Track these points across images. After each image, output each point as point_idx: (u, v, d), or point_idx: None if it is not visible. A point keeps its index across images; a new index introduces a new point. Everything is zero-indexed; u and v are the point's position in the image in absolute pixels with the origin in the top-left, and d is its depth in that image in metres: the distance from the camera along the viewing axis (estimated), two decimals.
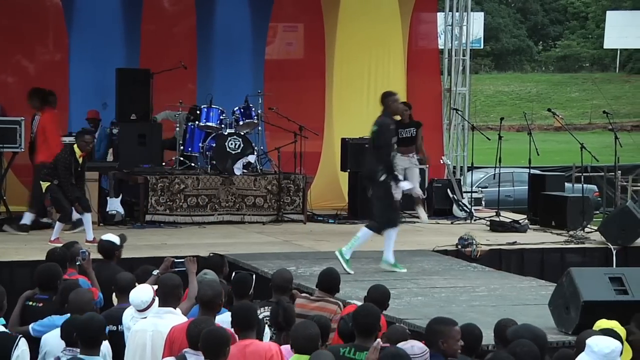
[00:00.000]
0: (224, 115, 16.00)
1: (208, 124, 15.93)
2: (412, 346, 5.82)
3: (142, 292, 7.47)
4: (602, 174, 23.21)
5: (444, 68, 18.74)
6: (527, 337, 6.13)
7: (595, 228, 15.08)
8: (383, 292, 7.76)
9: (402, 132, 16.00)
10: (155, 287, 7.51)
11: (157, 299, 7.37)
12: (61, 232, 13.19)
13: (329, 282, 8.17)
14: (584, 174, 18.67)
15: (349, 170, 16.84)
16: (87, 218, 13.22)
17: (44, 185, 13.34)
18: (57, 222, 13.32)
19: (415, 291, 10.55)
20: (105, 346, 7.00)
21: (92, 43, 16.96)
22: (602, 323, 6.78)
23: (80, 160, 13.19)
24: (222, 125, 15.93)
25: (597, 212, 19.94)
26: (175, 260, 8.40)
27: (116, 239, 9.79)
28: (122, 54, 17.29)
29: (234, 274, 8.03)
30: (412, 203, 15.90)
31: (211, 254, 9.15)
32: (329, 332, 6.94)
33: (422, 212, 15.78)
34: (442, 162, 17.41)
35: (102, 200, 15.05)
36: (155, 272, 8.37)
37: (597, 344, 5.99)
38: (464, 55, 18.69)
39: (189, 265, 8.07)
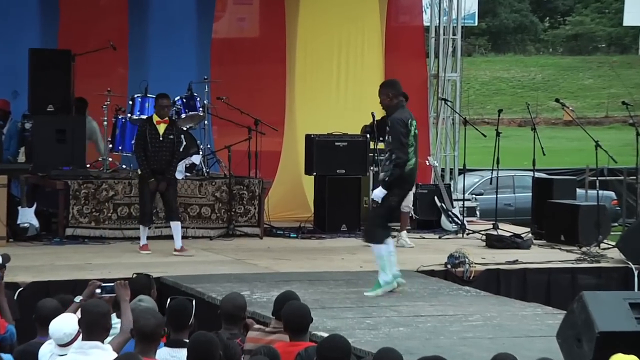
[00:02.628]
0: None
1: (143, 117, 15.92)
2: None
3: (65, 323, 7.42)
4: (622, 178, 23.40)
5: (431, 49, 18.82)
6: None
7: (613, 244, 15.20)
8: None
9: None
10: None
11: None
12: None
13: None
14: (599, 178, 18.80)
15: (315, 173, 16.88)
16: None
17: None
18: (141, 226, 14.39)
19: (395, 320, 10.58)
20: None
21: (0, 19, 16.90)
22: (618, 358, 6.81)
23: (161, 128, 14.04)
24: None
25: (616, 224, 20.12)
26: (103, 285, 8.34)
27: None
28: (37, 31, 17.22)
29: (168, 300, 7.94)
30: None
31: (135, 275, 9.11)
32: None
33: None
34: (427, 164, 17.47)
35: (12, 210, 14.96)
36: (78, 299, 8.33)
37: None
38: (454, 34, 18.78)
39: (120, 291, 7.98)
